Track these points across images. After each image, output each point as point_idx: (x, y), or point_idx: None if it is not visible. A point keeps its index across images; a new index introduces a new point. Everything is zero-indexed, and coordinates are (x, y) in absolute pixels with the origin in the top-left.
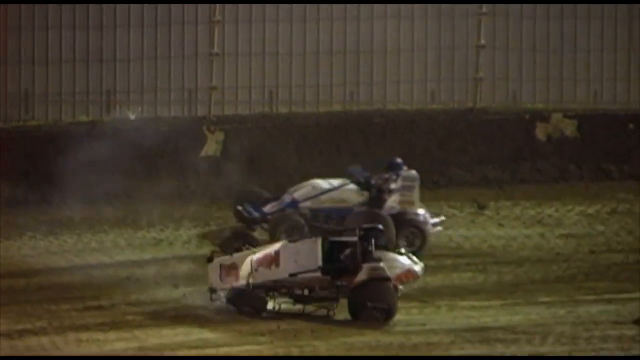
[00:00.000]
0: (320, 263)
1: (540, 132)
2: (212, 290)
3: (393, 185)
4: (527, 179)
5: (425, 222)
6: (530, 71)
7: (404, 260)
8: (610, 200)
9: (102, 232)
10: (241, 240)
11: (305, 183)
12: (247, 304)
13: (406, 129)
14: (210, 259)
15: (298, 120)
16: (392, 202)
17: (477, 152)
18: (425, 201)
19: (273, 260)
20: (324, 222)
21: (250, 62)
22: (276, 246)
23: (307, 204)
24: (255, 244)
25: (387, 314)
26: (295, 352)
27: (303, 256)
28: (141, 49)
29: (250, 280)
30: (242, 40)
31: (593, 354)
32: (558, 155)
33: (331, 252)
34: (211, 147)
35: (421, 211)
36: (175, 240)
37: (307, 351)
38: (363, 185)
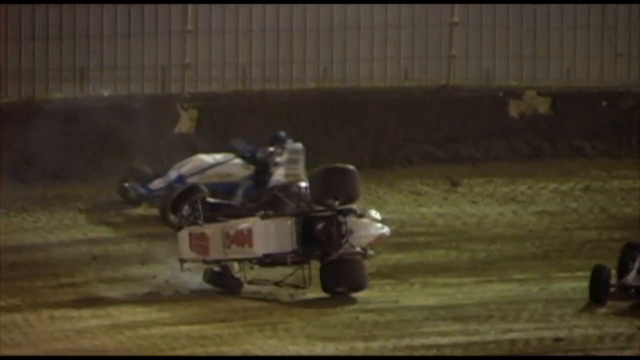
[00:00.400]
0: (295, 246)
1: (514, 109)
2: (182, 261)
3: (278, 159)
4: (500, 156)
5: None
6: (503, 49)
7: (377, 225)
8: (583, 177)
9: (75, 210)
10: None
11: (189, 158)
12: (223, 285)
13: (379, 106)
14: (179, 228)
15: (271, 97)
16: (278, 175)
17: (450, 129)
18: (399, 178)
19: (246, 239)
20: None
21: (223, 40)
22: (249, 224)
23: (194, 179)
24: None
25: (358, 289)
26: (268, 328)
27: (277, 237)
28: (115, 26)
29: (223, 257)
30: (215, 18)
31: (566, 331)
32: (531, 133)
33: (305, 230)
34: (185, 124)
35: (304, 184)
36: (149, 218)
37: (281, 328)
38: (249, 159)
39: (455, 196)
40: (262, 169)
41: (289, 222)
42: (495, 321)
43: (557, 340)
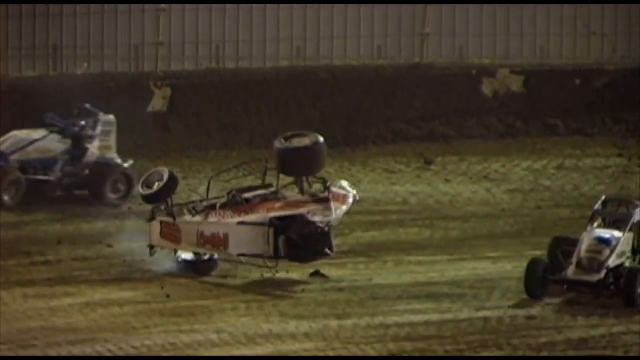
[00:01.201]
0: (271, 252)
1: (487, 87)
2: (151, 247)
3: (92, 132)
4: (473, 134)
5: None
6: (476, 26)
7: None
8: (556, 155)
9: None
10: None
11: (5, 136)
12: (197, 269)
13: (353, 84)
14: (151, 219)
15: (245, 75)
16: (92, 148)
17: (423, 107)
18: (372, 156)
19: (221, 242)
20: (32, 173)
21: (197, 17)
22: (225, 229)
23: (16, 156)
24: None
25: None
26: (241, 307)
27: (253, 242)
28: (88, 3)
29: (195, 249)
30: None
31: (538, 309)
32: (504, 111)
33: (282, 234)
34: (158, 102)
35: (114, 154)
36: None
37: (254, 306)
38: (67, 134)
39: (429, 174)
40: (77, 142)
41: (265, 229)
42: (468, 299)
43: (530, 318)
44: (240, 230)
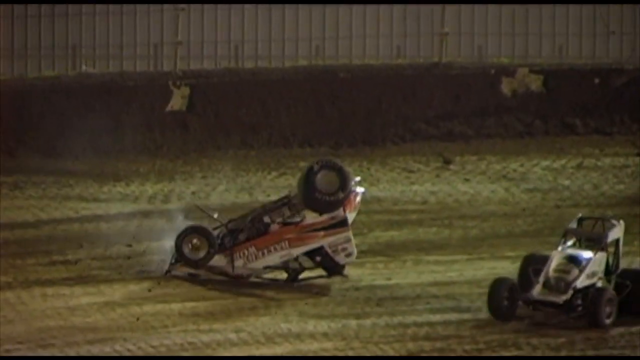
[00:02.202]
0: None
1: (506, 87)
2: (168, 272)
3: None
4: (492, 133)
5: None
6: (495, 26)
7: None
8: (575, 155)
9: (67, 187)
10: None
11: None
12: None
13: (372, 83)
14: (167, 272)
15: (264, 75)
16: None
17: (442, 107)
18: (391, 156)
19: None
20: None
21: (216, 17)
22: (248, 271)
23: None
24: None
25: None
26: (260, 306)
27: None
28: (107, 3)
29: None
30: None
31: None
32: (523, 110)
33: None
34: (177, 101)
35: None
36: (141, 195)
37: (273, 305)
38: None
39: (448, 174)
40: None
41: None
42: (487, 299)
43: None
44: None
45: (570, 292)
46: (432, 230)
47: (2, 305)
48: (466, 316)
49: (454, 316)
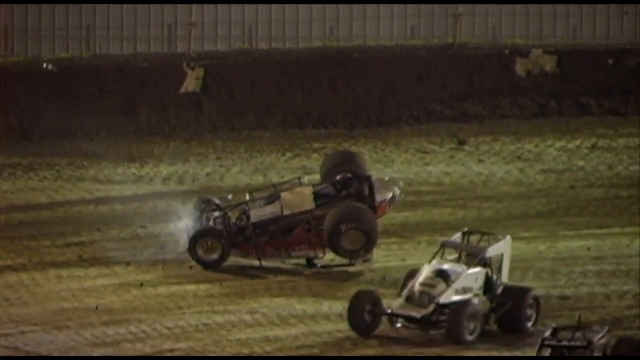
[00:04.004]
0: None
1: (520, 67)
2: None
3: None
4: (507, 114)
5: None
6: (510, 6)
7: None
8: (590, 135)
9: (82, 169)
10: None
11: None
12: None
13: (386, 64)
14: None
15: (278, 56)
16: None
17: (457, 87)
18: (405, 137)
19: None
20: None
21: None
22: None
23: None
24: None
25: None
26: (275, 287)
27: None
28: None
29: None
30: None
31: (573, 289)
32: (538, 91)
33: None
34: (191, 83)
35: None
36: (155, 177)
37: (288, 287)
38: None
39: (462, 155)
40: None
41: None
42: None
43: (564, 298)
44: None
45: (432, 307)
46: (446, 211)
47: (18, 287)
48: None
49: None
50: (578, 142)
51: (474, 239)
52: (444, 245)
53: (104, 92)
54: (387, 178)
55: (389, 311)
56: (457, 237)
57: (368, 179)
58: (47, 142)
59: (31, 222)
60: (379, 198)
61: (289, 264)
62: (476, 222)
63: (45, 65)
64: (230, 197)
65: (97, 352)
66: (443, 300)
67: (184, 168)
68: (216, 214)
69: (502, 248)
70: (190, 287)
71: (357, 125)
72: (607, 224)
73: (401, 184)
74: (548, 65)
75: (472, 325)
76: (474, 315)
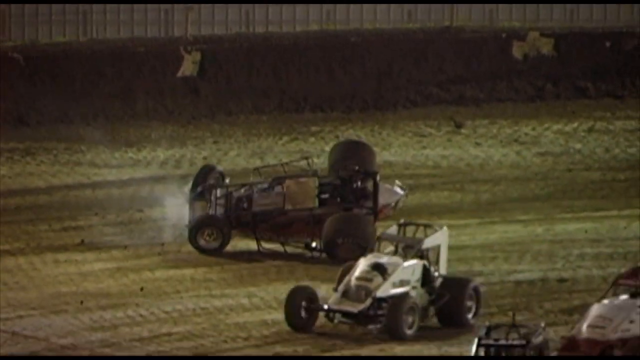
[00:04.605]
0: None
1: (517, 50)
2: None
3: None
4: (503, 97)
5: None
6: None
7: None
8: (587, 118)
9: (79, 153)
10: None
11: None
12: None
13: (383, 48)
14: None
15: (275, 39)
16: None
17: (454, 70)
18: (402, 120)
19: None
20: None
21: None
22: None
23: None
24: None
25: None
26: (273, 271)
27: None
28: None
29: None
30: None
31: (570, 272)
32: (535, 74)
33: None
34: (188, 67)
35: None
36: (152, 161)
37: (285, 270)
38: None
39: (459, 138)
40: None
41: None
42: (499, 262)
43: (561, 281)
44: None
45: (369, 301)
46: (443, 194)
47: (15, 271)
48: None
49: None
50: (575, 125)
51: (410, 230)
52: (379, 238)
53: (100, 77)
54: (397, 182)
55: (326, 307)
56: (392, 229)
57: (374, 175)
58: (44, 127)
59: (28, 206)
60: (382, 201)
61: (287, 247)
62: (473, 205)
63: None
64: (227, 180)
65: (94, 336)
66: (380, 293)
67: (181, 152)
68: (219, 192)
69: (438, 239)
70: (188, 271)
71: (354, 109)
72: (604, 207)
73: (406, 189)
74: (545, 48)
75: (410, 319)
76: (412, 309)
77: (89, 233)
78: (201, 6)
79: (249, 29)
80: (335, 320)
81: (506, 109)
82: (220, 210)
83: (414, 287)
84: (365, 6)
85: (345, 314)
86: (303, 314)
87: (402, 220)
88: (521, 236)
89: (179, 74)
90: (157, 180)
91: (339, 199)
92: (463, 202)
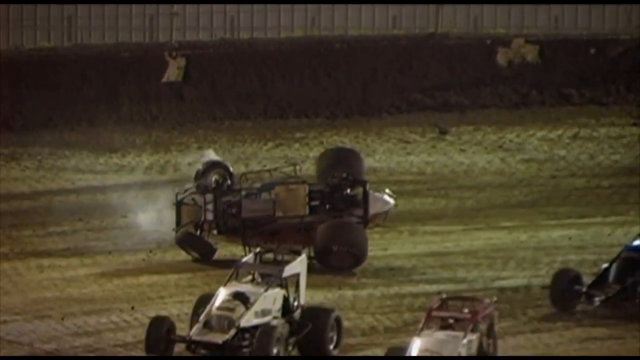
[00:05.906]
0: None
1: (502, 57)
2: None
3: None
4: (488, 104)
5: None
6: None
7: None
8: (571, 125)
9: (63, 158)
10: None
11: None
12: (196, 248)
13: (368, 54)
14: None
15: (260, 45)
16: None
17: (438, 77)
18: (387, 126)
19: None
20: None
21: None
22: None
23: None
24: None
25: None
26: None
27: None
28: None
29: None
30: None
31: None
32: (519, 81)
33: None
34: (173, 72)
35: None
36: (137, 166)
37: None
38: None
39: (444, 144)
40: None
41: None
42: (483, 269)
43: (545, 287)
44: None
45: (233, 331)
46: (428, 200)
47: None
48: (462, 287)
49: (450, 287)
50: (559, 132)
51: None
52: (237, 267)
53: (85, 82)
54: (387, 190)
55: (188, 338)
56: (249, 257)
57: (363, 184)
58: (28, 132)
59: (12, 211)
60: (373, 210)
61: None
62: (457, 211)
63: None
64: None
65: (78, 342)
66: (244, 323)
67: (165, 157)
68: (208, 197)
69: (297, 267)
70: (172, 277)
71: (339, 115)
72: (588, 213)
73: (395, 200)
74: (529, 55)
75: (275, 350)
76: (279, 340)
77: (73, 238)
78: (186, 12)
79: (233, 34)
80: (200, 351)
81: (491, 115)
82: (209, 217)
83: (274, 317)
84: (350, 12)
85: (209, 345)
86: (161, 345)
87: (258, 249)
88: (505, 243)
89: (164, 80)
90: (141, 186)
91: (328, 207)
92: (447, 208)
